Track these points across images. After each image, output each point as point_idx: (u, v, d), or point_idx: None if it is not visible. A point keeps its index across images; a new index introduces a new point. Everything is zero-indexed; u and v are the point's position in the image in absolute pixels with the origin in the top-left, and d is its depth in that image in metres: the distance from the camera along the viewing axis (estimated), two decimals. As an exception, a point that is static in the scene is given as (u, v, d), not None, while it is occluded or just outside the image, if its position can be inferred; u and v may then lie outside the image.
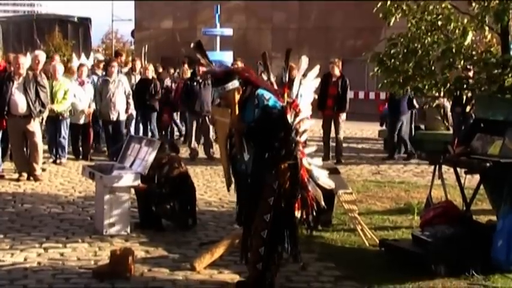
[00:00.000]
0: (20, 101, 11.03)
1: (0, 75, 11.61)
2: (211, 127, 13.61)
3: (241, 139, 5.93)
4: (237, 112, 5.89)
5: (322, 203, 6.11)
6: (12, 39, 33.48)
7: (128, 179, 8.02)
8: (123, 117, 13.67)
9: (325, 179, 6.15)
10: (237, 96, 5.92)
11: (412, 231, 7.58)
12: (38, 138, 11.40)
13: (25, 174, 11.36)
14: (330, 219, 8.46)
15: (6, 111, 11.06)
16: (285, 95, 5.96)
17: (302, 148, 5.93)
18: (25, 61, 11.44)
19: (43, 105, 11.32)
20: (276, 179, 5.78)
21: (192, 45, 6.26)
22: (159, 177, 8.19)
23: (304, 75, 6.29)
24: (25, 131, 11.26)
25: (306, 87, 6.14)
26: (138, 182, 8.03)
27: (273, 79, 6.19)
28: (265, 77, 6.19)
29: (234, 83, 5.88)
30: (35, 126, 11.32)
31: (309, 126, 6.08)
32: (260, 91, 5.87)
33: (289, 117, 5.80)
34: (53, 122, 12.79)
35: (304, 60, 6.12)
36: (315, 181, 6.05)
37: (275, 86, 6.12)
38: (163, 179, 8.20)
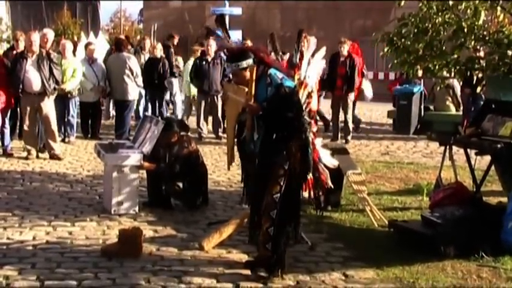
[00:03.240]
0: (34, 78, 11.02)
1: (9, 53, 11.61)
2: (219, 107, 13.57)
3: (253, 119, 5.91)
4: (253, 92, 5.84)
5: (330, 182, 6.11)
6: (21, 17, 33.44)
7: (130, 158, 8.04)
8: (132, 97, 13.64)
9: (328, 158, 6.15)
10: (247, 76, 5.86)
11: (422, 212, 7.56)
12: (52, 115, 11.39)
13: (33, 153, 11.37)
14: (338, 199, 8.45)
15: (21, 89, 11.06)
16: (296, 76, 5.95)
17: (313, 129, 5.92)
18: (38, 38, 11.39)
19: (57, 83, 11.34)
20: (287, 160, 5.77)
21: (214, 17, 6.27)
22: (169, 156, 8.19)
23: (312, 55, 6.26)
24: (38, 108, 11.26)
25: (313, 68, 6.12)
26: (139, 162, 8.05)
27: (281, 59, 6.17)
28: (274, 57, 6.17)
29: (249, 61, 5.86)
30: (49, 104, 11.31)
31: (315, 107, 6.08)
32: (272, 70, 5.86)
33: (301, 97, 5.79)
34: (62, 101, 12.77)
35: (313, 41, 6.09)
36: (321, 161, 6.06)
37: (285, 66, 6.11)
38: (173, 158, 8.19)
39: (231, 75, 6.25)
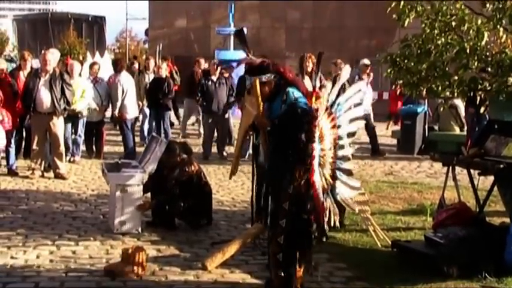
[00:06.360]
0: (45, 98, 11.10)
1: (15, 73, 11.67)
2: (230, 124, 13.69)
3: (265, 133, 5.79)
4: (260, 105, 5.68)
5: (336, 221, 5.92)
6: (27, 37, 33.60)
7: (133, 177, 8.09)
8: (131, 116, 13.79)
9: (346, 197, 5.99)
10: (264, 90, 5.72)
11: (425, 233, 7.55)
12: (61, 135, 11.45)
13: (37, 172, 11.38)
14: (342, 219, 8.43)
15: (32, 108, 11.13)
16: (313, 99, 5.80)
17: (331, 158, 5.81)
18: (52, 57, 11.44)
19: (68, 103, 11.40)
20: (291, 184, 5.60)
21: (234, 31, 6.27)
22: (170, 179, 8.22)
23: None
24: (48, 128, 11.31)
25: (348, 99, 5.94)
26: (142, 181, 8.13)
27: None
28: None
29: (268, 76, 5.71)
30: (58, 124, 11.37)
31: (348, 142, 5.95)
32: (290, 88, 5.70)
33: (320, 122, 5.66)
34: (70, 120, 12.80)
35: (347, 69, 5.92)
36: (334, 196, 5.91)
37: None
38: (173, 182, 8.22)
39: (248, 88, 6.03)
